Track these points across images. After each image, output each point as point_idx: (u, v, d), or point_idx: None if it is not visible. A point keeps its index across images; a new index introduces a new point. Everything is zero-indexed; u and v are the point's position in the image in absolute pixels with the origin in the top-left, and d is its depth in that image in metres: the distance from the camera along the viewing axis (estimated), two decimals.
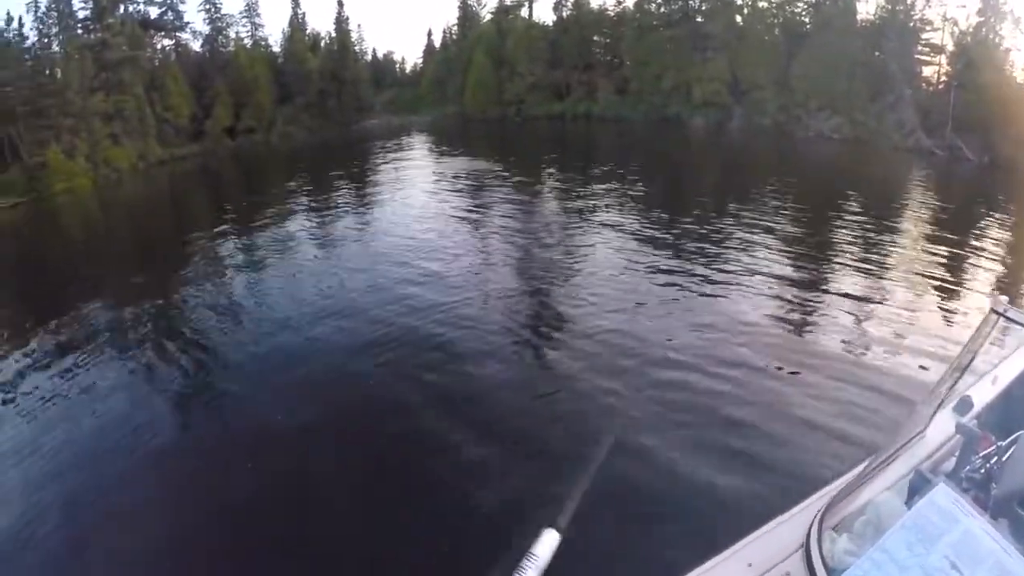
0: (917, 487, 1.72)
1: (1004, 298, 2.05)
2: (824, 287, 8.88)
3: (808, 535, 1.88)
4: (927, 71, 40.76)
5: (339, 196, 17.10)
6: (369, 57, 52.76)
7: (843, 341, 6.96)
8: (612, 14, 43.20)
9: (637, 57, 38.36)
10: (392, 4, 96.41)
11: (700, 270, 9.26)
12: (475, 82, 42.52)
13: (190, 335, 8.51)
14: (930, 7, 38.24)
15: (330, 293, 9.18)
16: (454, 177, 17.40)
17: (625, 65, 39.51)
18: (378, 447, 5.42)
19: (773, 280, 8.90)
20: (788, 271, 9.42)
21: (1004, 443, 2.28)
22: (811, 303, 8.20)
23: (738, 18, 39.28)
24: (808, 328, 7.47)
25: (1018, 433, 2.24)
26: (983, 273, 10.84)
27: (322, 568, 4.09)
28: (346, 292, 9.14)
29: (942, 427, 2.45)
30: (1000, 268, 11.51)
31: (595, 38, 42.82)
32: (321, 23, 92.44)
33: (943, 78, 40.74)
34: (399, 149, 28.27)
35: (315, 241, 12.62)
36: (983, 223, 16.02)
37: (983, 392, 2.82)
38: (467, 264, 9.83)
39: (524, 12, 44.52)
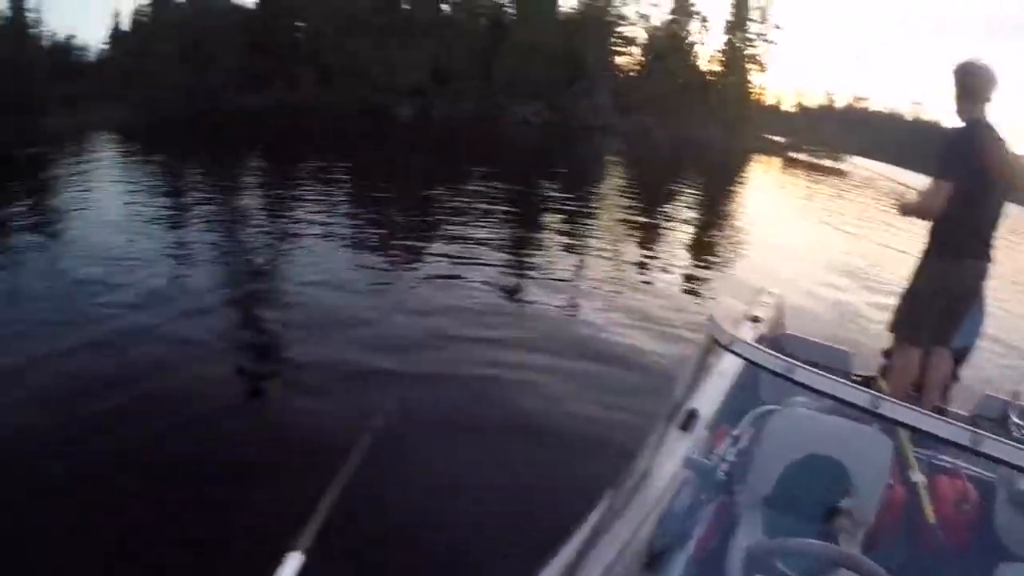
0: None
1: (719, 319, 1.59)
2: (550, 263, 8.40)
3: None
4: (620, 60, 45.14)
5: None
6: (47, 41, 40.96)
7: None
8: None
9: (342, 44, 35.59)
10: None
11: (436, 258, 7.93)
12: (164, 72, 35.66)
13: None
14: (626, 4, 42.48)
15: None
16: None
17: (330, 53, 36.47)
18: None
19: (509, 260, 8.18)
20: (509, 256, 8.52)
21: (736, 431, 2.31)
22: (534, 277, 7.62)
23: (444, 7, 38.89)
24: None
25: (748, 415, 2.34)
26: (687, 238, 11.45)
27: None
28: None
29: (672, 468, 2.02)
30: (699, 235, 12.17)
31: (298, 23, 39.05)
32: None
33: (635, 67, 45.54)
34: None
35: None
36: (680, 192, 17.02)
37: (710, 395, 2.48)
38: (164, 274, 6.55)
39: None
